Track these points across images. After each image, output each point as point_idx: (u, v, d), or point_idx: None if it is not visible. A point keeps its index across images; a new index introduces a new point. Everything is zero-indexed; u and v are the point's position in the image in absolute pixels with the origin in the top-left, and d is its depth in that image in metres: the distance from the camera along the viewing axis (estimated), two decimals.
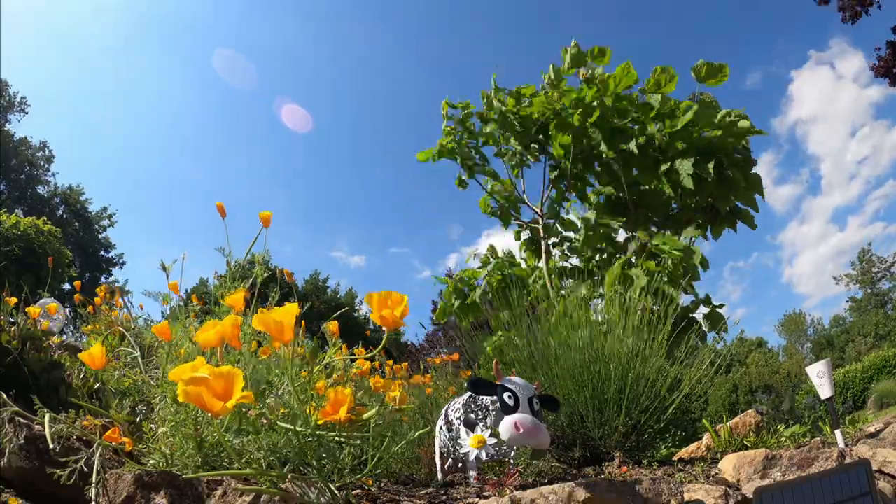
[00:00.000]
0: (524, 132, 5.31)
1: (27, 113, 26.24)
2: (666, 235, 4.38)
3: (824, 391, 2.23)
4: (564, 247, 5.45)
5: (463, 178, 5.68)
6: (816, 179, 54.52)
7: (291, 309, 1.21)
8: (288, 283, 2.12)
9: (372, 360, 2.18)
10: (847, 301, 36.87)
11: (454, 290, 5.54)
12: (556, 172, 5.45)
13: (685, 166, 4.31)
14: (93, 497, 1.26)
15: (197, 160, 45.45)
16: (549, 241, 5.43)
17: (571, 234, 5.43)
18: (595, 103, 4.74)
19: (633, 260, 4.15)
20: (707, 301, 4.44)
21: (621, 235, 5.05)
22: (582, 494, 1.34)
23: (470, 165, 5.52)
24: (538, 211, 5.51)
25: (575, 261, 5.37)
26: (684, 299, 4.54)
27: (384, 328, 1.28)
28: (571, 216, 5.66)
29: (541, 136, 5.37)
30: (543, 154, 5.51)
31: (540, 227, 5.45)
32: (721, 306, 4.37)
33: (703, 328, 4.30)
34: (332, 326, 1.63)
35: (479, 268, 5.68)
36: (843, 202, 51.44)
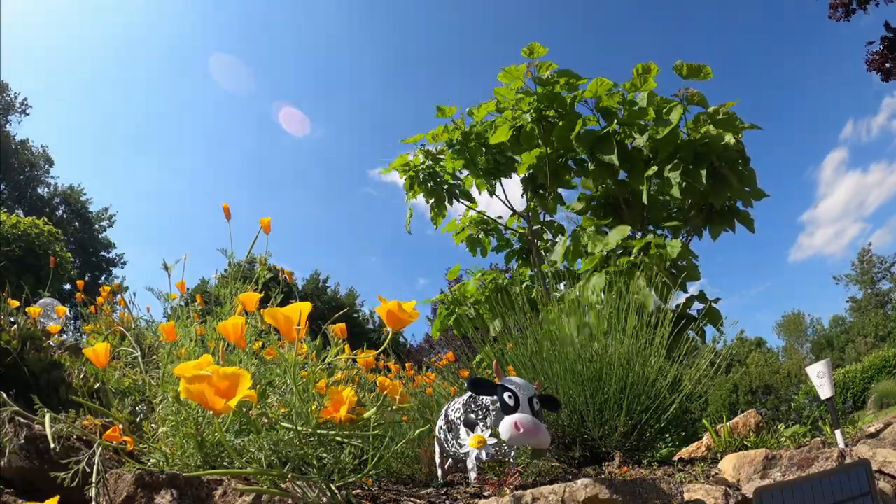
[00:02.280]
0: (487, 165, 5.19)
1: (28, 114, 26.27)
2: (664, 238, 4.35)
3: (824, 391, 2.23)
4: (554, 251, 5.41)
5: (438, 209, 5.42)
6: None
7: (302, 307, 1.23)
8: (289, 284, 2.12)
9: (376, 360, 2.18)
10: (847, 301, 36.95)
11: (449, 304, 5.47)
12: (531, 184, 5.40)
13: (674, 176, 4.29)
14: (93, 497, 1.26)
15: (196, 162, 45.49)
16: (538, 246, 5.40)
17: (559, 239, 5.38)
18: (554, 114, 4.68)
19: (633, 257, 4.13)
20: (703, 297, 4.43)
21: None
22: (582, 494, 1.34)
23: (445, 196, 5.33)
24: (526, 217, 5.47)
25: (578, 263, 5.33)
26: (681, 296, 4.54)
27: (390, 328, 1.29)
28: (559, 217, 5.63)
29: (507, 156, 5.28)
30: (513, 170, 5.43)
31: (528, 232, 5.41)
32: (717, 301, 4.37)
33: (701, 325, 4.29)
34: (338, 329, 1.64)
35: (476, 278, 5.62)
36: None
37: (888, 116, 47.34)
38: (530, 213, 5.49)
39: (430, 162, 5.29)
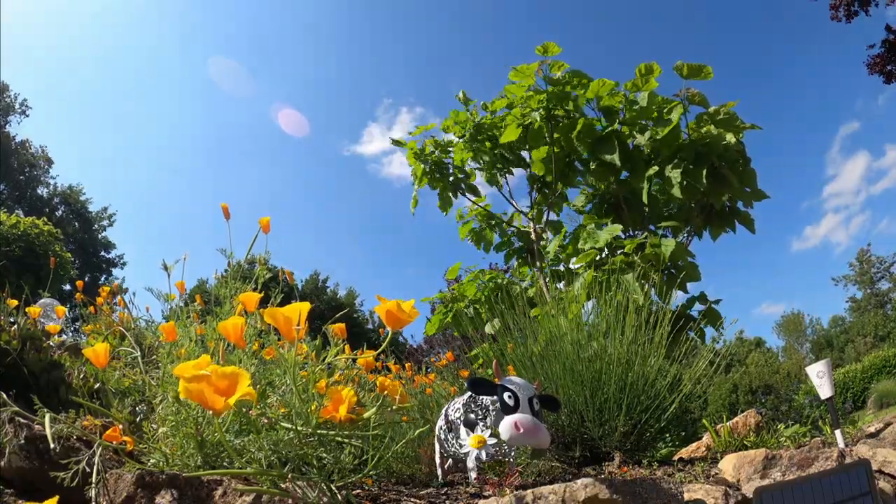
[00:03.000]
0: (495, 160, 5.19)
1: (27, 115, 26.26)
2: (660, 238, 4.35)
3: (824, 391, 2.23)
4: (553, 250, 5.38)
5: (447, 196, 5.44)
6: None
7: (301, 306, 1.23)
8: (289, 284, 2.12)
9: (376, 360, 2.18)
10: (847, 301, 36.98)
11: (448, 303, 5.46)
12: (536, 184, 5.40)
13: (675, 175, 4.28)
14: (93, 497, 1.26)
15: (195, 164, 45.55)
16: (540, 245, 5.39)
17: (558, 238, 5.37)
18: (563, 112, 4.69)
19: (630, 257, 4.12)
20: (703, 298, 4.43)
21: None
22: (582, 494, 1.34)
23: (451, 189, 5.33)
24: (529, 216, 5.46)
25: (572, 263, 5.32)
26: (680, 297, 4.53)
27: (390, 328, 1.29)
28: (561, 217, 5.62)
29: (516, 153, 5.28)
30: (520, 167, 5.42)
31: (531, 231, 5.40)
32: (717, 302, 4.36)
33: (701, 326, 4.28)
34: (337, 329, 1.64)
35: (472, 280, 5.60)
36: None
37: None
38: (535, 213, 5.49)
39: (440, 153, 5.30)
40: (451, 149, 5.34)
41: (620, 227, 4.37)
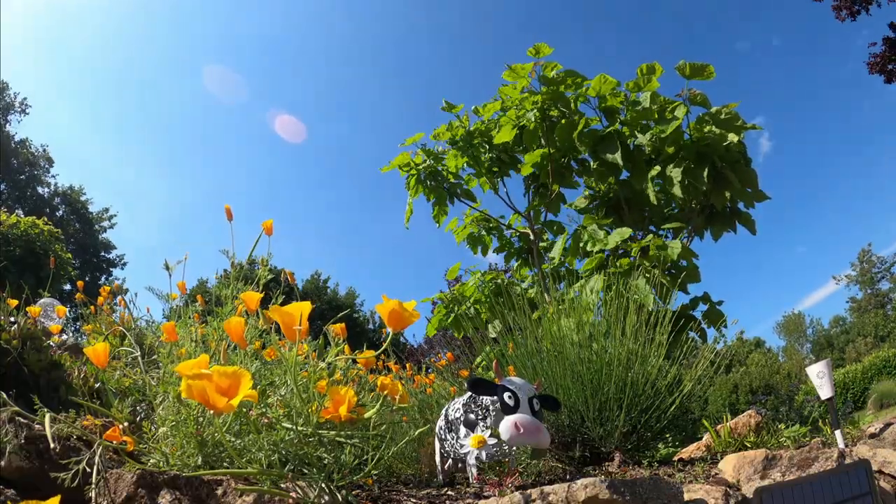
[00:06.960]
0: (491, 163, 5.18)
1: (27, 114, 26.25)
2: (664, 239, 4.34)
3: (824, 391, 2.23)
4: (558, 255, 5.35)
5: (439, 207, 5.37)
6: None
7: (303, 306, 1.24)
8: (290, 284, 2.13)
9: (376, 360, 2.18)
10: (847, 301, 37.02)
11: (447, 304, 5.46)
12: (533, 185, 5.39)
13: (675, 174, 4.28)
14: (93, 497, 1.26)
15: (195, 163, 45.59)
16: (540, 246, 5.38)
17: (559, 238, 5.35)
18: (557, 113, 4.69)
19: (633, 258, 4.13)
20: (706, 299, 4.43)
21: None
22: (582, 494, 1.34)
23: (445, 195, 5.30)
24: (528, 217, 5.45)
25: (578, 263, 5.30)
26: (682, 298, 4.53)
27: (391, 328, 1.29)
28: (561, 217, 5.62)
29: (512, 155, 5.27)
30: (515, 169, 5.41)
31: (530, 232, 5.39)
32: (720, 303, 4.37)
33: (703, 326, 4.29)
34: (338, 329, 1.64)
35: (474, 279, 5.59)
36: None
37: None
38: (532, 213, 5.48)
39: (432, 161, 5.28)
40: (444, 156, 5.33)
41: (630, 230, 4.37)
